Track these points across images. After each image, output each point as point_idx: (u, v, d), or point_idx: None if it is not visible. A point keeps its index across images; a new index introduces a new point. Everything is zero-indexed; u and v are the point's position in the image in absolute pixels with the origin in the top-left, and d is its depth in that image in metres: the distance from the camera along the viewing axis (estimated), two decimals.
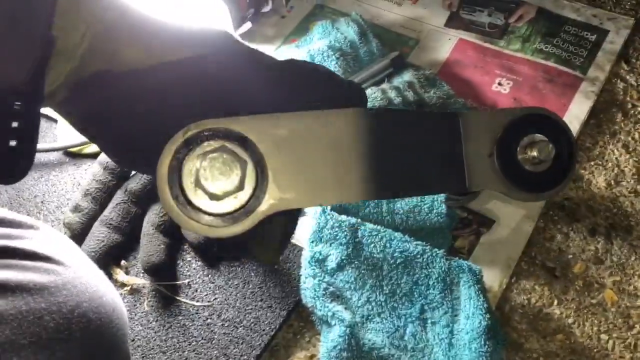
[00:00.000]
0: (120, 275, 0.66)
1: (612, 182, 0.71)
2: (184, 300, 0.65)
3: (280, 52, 0.85)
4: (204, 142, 0.35)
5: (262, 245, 0.38)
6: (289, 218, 0.38)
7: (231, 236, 0.36)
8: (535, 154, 0.41)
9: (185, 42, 0.36)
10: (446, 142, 0.42)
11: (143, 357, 0.62)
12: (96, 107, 0.36)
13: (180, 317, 0.64)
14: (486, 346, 0.57)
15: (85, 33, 0.35)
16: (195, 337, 0.62)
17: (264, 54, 0.39)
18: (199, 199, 0.35)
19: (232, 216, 0.35)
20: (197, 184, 0.35)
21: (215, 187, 0.35)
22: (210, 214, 0.35)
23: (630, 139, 0.75)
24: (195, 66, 0.36)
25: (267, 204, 0.35)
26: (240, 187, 0.35)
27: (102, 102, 0.36)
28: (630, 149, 0.74)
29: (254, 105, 0.36)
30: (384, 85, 0.75)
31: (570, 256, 0.66)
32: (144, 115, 0.36)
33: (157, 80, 0.35)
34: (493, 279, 0.65)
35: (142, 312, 0.64)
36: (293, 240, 0.69)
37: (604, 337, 0.62)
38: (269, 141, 0.36)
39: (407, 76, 0.78)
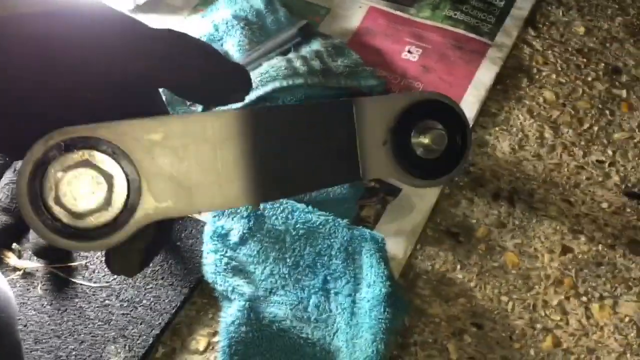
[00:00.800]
0: (12, 259, 0.63)
1: (516, 146, 0.72)
2: (80, 282, 0.62)
3: (187, 22, 0.82)
4: (68, 151, 0.32)
5: (122, 257, 0.36)
6: (160, 227, 0.36)
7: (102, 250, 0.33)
8: (428, 141, 0.40)
9: None
10: (339, 132, 0.40)
11: (36, 342, 0.59)
12: None
13: (77, 300, 0.61)
14: (385, 313, 0.57)
15: None
16: (92, 319, 0.60)
17: (141, 23, 0.35)
18: (62, 215, 0.32)
19: (103, 230, 0.33)
20: (58, 201, 0.32)
21: (77, 206, 0.32)
22: (77, 229, 0.32)
23: (534, 103, 0.76)
24: (34, 24, 0.32)
25: (141, 215, 0.32)
26: (107, 203, 0.32)
27: None
28: (535, 114, 0.75)
29: (110, 75, 0.34)
30: (290, 55, 0.74)
31: (474, 221, 0.67)
32: None
33: None
34: (398, 247, 0.65)
35: (36, 296, 0.61)
36: (196, 216, 0.67)
37: (504, 298, 0.63)
38: (141, 147, 0.33)
39: (315, 45, 0.76)
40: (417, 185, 0.43)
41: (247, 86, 0.38)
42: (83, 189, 0.31)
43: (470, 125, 0.73)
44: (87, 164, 0.32)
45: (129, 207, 0.33)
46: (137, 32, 0.35)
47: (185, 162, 0.34)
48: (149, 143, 0.33)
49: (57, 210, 0.31)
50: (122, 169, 0.33)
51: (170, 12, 0.84)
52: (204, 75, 0.36)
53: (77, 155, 0.32)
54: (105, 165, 0.32)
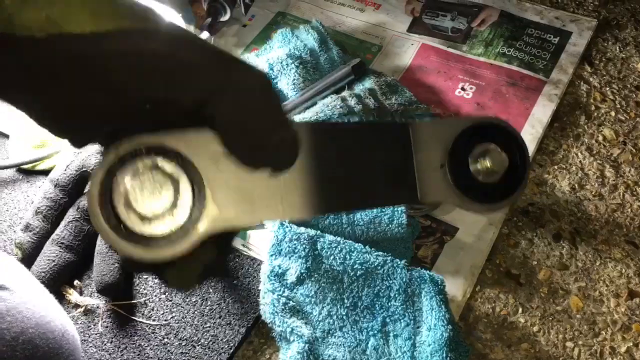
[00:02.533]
0: (73, 295, 0.64)
1: (576, 185, 0.71)
2: (139, 319, 0.63)
3: None
4: (137, 159, 0.33)
5: (179, 272, 0.36)
6: (218, 243, 0.36)
7: (167, 260, 0.34)
8: (488, 164, 0.40)
9: (99, 13, 0.31)
10: (397, 153, 0.40)
11: None
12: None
13: (136, 337, 0.62)
14: (448, 358, 0.56)
15: None
16: (151, 357, 0.60)
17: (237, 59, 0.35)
18: (131, 221, 0.33)
19: (168, 239, 0.33)
20: (128, 205, 0.33)
21: (145, 209, 0.33)
22: (144, 237, 0.33)
23: (594, 141, 0.74)
24: (109, 44, 0.31)
25: (206, 224, 0.33)
26: (174, 207, 0.33)
27: (4, 69, 0.31)
28: (594, 152, 0.73)
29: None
30: (344, 93, 0.74)
31: (535, 262, 0.65)
32: (52, 89, 0.31)
33: (59, 55, 0.31)
34: (457, 288, 0.64)
35: (97, 334, 0.62)
36: (253, 254, 0.67)
37: (569, 344, 0.61)
38: (206, 157, 0.34)
39: (369, 83, 0.76)
40: (476, 210, 0.42)
41: (292, 156, 0.36)
42: (151, 193, 0.32)
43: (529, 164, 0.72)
44: (155, 170, 0.33)
45: (193, 217, 0.33)
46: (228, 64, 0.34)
47: (249, 174, 0.35)
48: (215, 154, 0.34)
49: (126, 215, 0.32)
50: (188, 177, 0.33)
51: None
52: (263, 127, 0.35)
53: (147, 162, 0.32)
54: (173, 171, 0.33)
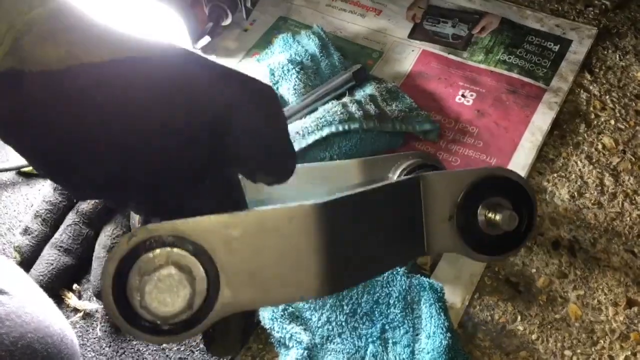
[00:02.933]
0: (72, 299, 0.63)
1: (576, 194, 0.71)
2: None
3: (242, 65, 0.83)
4: (150, 250, 0.32)
5: (222, 340, 0.36)
6: (246, 314, 0.36)
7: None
8: (497, 220, 0.40)
9: (115, 43, 0.33)
10: (407, 208, 0.40)
11: None
12: (5, 112, 0.32)
13: (135, 342, 0.61)
14: None
15: (5, 36, 0.32)
16: None
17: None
18: (147, 315, 0.32)
19: (182, 324, 0.33)
20: (143, 305, 0.32)
21: (161, 309, 0.32)
22: (159, 325, 0.32)
23: (593, 149, 0.74)
24: (125, 69, 0.33)
25: (220, 308, 0.33)
26: (190, 305, 0.33)
27: (12, 108, 0.32)
28: (594, 160, 0.73)
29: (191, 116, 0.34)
30: (345, 99, 0.74)
31: (534, 270, 0.66)
32: (61, 125, 0.32)
33: (75, 85, 0.32)
34: (456, 295, 0.64)
35: (95, 338, 0.62)
36: None
37: (567, 353, 0.61)
38: (220, 243, 0.34)
39: (369, 89, 0.76)
40: (481, 260, 0.42)
41: (293, 165, 0.37)
42: (167, 292, 0.32)
43: (528, 171, 0.72)
44: (169, 264, 0.32)
45: (208, 302, 0.33)
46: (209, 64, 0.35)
47: (262, 256, 0.34)
48: (227, 238, 0.34)
49: (143, 313, 0.32)
50: (202, 265, 0.33)
51: (225, 55, 0.86)
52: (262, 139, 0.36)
53: (160, 257, 0.32)
54: (187, 262, 0.33)
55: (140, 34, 0.34)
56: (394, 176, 0.53)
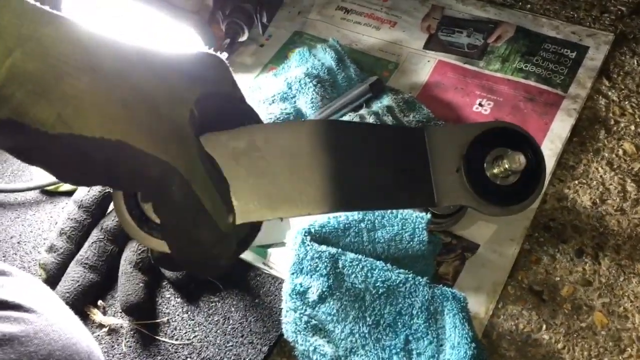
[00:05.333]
0: (97, 315, 0.64)
1: (598, 200, 0.70)
2: (163, 339, 0.63)
3: (259, 80, 0.84)
4: None
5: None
6: (239, 238, 0.37)
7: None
8: (505, 166, 0.40)
9: (108, 115, 0.32)
10: (413, 157, 0.41)
11: None
12: (14, 151, 0.33)
13: (159, 357, 0.62)
14: None
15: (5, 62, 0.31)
16: None
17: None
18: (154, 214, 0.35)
19: None
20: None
21: None
22: None
23: (614, 155, 0.74)
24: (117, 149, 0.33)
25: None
26: None
27: (18, 149, 0.33)
28: (615, 166, 0.73)
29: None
30: (362, 111, 0.75)
31: (558, 278, 0.65)
32: (67, 166, 0.34)
33: (71, 147, 0.32)
34: (479, 304, 0.64)
35: (120, 354, 0.62)
36: (274, 272, 0.67)
37: None
38: (227, 155, 0.35)
39: (386, 100, 0.77)
40: (494, 213, 0.42)
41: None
42: None
43: (548, 180, 0.72)
44: None
45: None
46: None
47: (268, 169, 0.36)
48: (234, 150, 0.35)
49: (151, 208, 0.34)
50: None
51: (242, 70, 0.87)
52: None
53: None
54: None
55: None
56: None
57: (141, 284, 0.63)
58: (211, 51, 0.38)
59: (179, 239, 0.35)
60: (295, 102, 0.77)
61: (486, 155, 0.42)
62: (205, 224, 0.34)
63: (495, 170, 0.41)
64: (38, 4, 0.32)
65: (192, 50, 0.37)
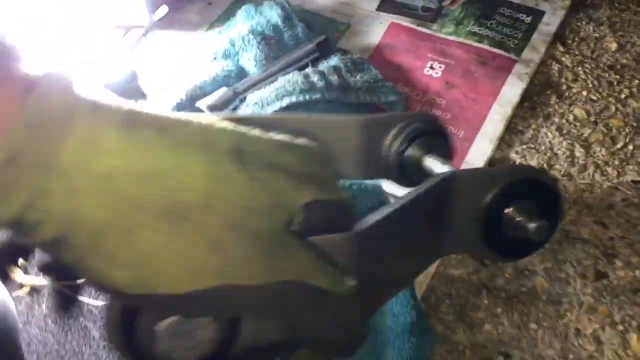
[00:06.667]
0: (18, 274, 0.61)
1: (545, 165, 0.68)
2: (86, 300, 0.60)
3: (203, 39, 0.81)
4: None
5: None
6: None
7: None
8: (529, 228, 0.36)
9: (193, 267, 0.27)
10: (434, 213, 0.35)
11: None
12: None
13: (82, 318, 0.59)
14: (409, 343, 0.54)
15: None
16: (96, 339, 0.58)
17: None
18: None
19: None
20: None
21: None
22: None
23: (564, 121, 0.72)
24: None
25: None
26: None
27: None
28: (564, 131, 0.71)
29: None
30: (308, 70, 0.71)
31: None
32: None
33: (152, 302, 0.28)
34: None
35: (40, 314, 0.59)
36: None
37: (533, 326, 0.58)
38: None
39: (334, 61, 0.74)
40: (494, 261, 0.39)
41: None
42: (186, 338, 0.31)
43: (496, 144, 0.70)
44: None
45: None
46: None
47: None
48: None
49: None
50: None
51: (187, 28, 0.83)
52: None
53: None
54: None
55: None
56: (395, 142, 0.45)
57: None
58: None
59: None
60: (238, 59, 0.74)
61: (509, 206, 0.37)
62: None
63: (514, 225, 0.37)
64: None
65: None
